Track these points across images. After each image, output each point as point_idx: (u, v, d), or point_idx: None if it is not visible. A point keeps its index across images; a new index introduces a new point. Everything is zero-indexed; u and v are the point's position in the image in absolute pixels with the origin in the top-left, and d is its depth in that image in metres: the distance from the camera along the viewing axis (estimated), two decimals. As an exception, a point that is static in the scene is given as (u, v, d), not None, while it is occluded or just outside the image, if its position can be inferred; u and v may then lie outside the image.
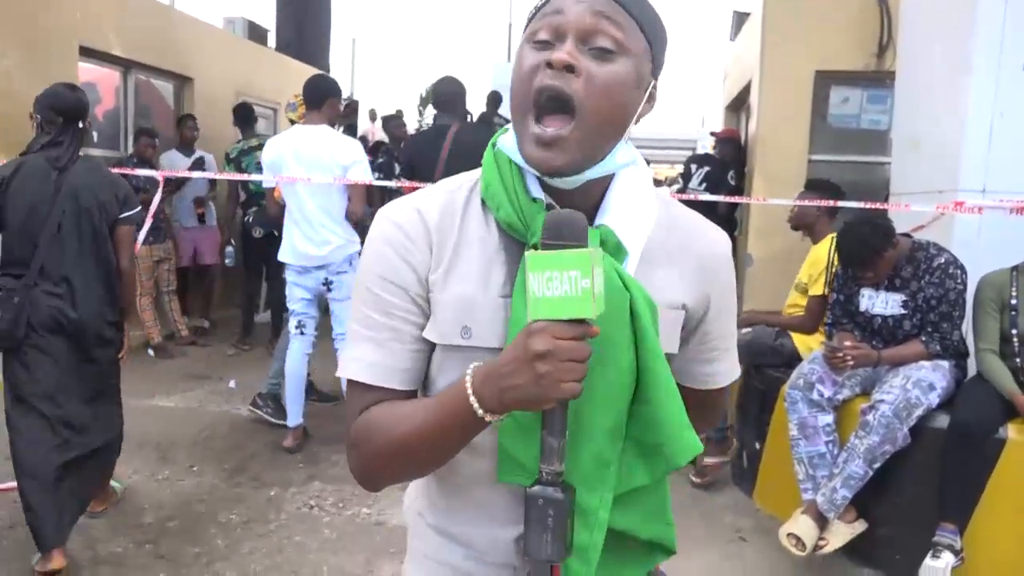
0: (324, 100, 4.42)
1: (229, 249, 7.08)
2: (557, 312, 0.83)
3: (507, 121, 1.03)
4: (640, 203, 1.02)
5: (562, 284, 0.82)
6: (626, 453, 0.98)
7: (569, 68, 0.90)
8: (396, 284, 1.00)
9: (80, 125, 3.26)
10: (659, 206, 1.05)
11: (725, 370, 1.16)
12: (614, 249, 0.96)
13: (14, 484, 3.10)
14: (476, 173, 1.06)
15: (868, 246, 3.27)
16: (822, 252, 3.98)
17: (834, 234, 4.11)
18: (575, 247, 0.84)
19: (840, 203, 4.67)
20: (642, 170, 1.04)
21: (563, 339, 0.83)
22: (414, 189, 4.49)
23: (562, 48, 0.92)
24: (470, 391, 0.89)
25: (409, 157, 4.89)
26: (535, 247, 0.92)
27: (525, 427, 0.93)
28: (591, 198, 1.00)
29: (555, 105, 0.91)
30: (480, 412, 0.89)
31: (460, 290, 0.99)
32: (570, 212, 0.87)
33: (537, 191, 0.99)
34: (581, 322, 0.84)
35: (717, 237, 1.10)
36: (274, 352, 4.91)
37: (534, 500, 0.88)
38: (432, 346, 1.01)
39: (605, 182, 1.01)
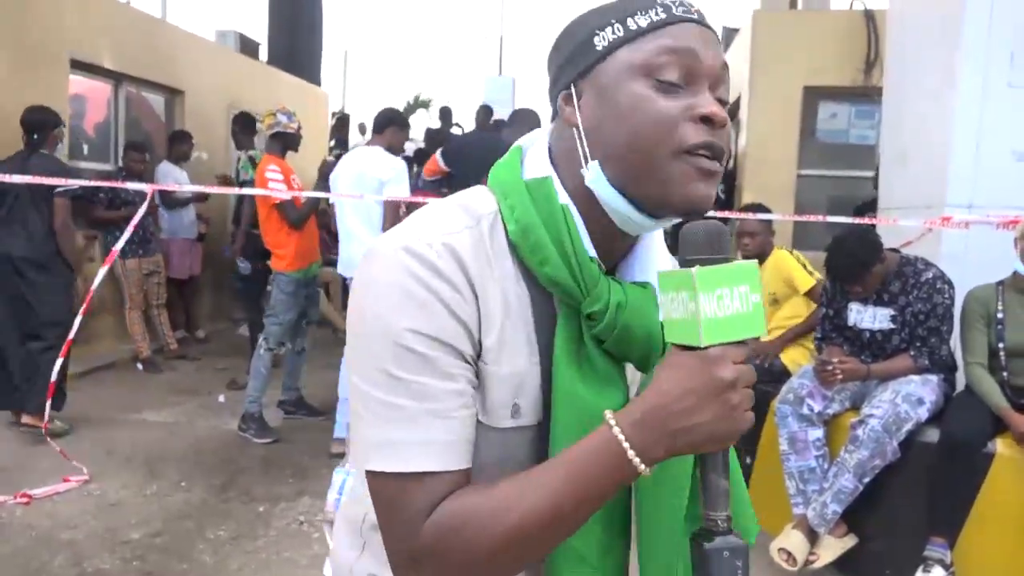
0: (386, 127, 4.86)
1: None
2: (731, 333, 0.74)
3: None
4: (662, 252, 0.94)
5: (733, 301, 0.74)
6: (683, 548, 0.83)
7: (724, 125, 0.81)
8: (443, 342, 0.79)
9: (35, 136, 4.74)
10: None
11: None
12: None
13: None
14: (486, 203, 0.88)
15: (857, 260, 3.29)
16: (779, 259, 4.18)
17: (780, 246, 4.27)
18: (731, 259, 0.76)
19: (829, 218, 4.71)
20: None
21: (740, 363, 0.74)
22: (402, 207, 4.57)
23: (706, 98, 0.81)
24: (625, 442, 0.74)
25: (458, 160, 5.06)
26: (590, 316, 0.84)
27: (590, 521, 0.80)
28: (623, 250, 0.91)
29: (712, 153, 0.82)
30: (642, 467, 0.74)
31: (515, 362, 0.83)
32: (707, 223, 0.78)
33: (590, 247, 0.85)
34: (744, 343, 0.76)
35: None
36: (250, 371, 4.88)
37: (718, 555, 0.75)
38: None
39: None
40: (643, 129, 0.80)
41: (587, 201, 0.85)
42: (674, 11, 0.82)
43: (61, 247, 4.77)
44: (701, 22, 0.83)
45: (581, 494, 0.75)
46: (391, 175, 4.56)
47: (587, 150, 0.84)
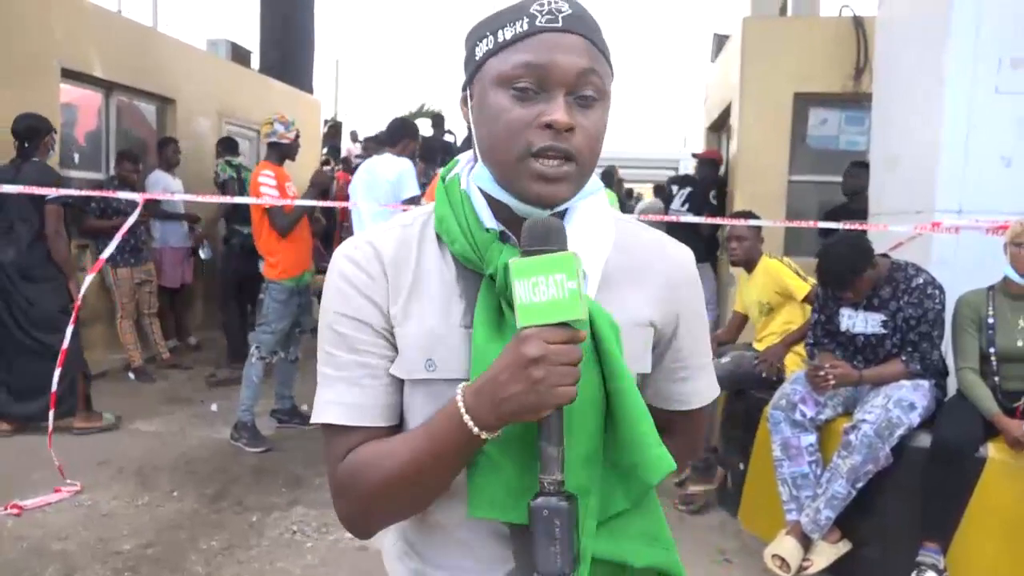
0: (399, 139, 5.16)
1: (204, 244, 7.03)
2: (546, 316, 0.83)
3: (453, 143, 1.03)
4: (597, 227, 1.02)
5: (548, 288, 0.83)
6: (605, 479, 0.97)
7: (570, 129, 0.91)
8: (360, 320, 0.99)
9: (27, 143, 4.86)
10: (618, 227, 1.05)
11: (701, 389, 1.15)
12: None
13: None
14: (429, 207, 1.06)
15: (847, 266, 3.30)
16: (770, 267, 4.18)
17: (767, 255, 4.29)
18: (556, 251, 0.84)
19: (820, 223, 4.73)
20: (599, 194, 1.04)
21: (555, 343, 0.83)
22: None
23: (554, 104, 0.91)
24: (463, 409, 0.88)
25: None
26: (491, 277, 0.94)
27: (494, 460, 0.93)
28: None
29: (556, 154, 0.92)
30: (476, 430, 0.88)
31: (422, 323, 0.98)
32: (547, 218, 0.88)
33: (491, 221, 0.98)
34: (567, 325, 0.84)
35: (680, 254, 1.11)
36: (243, 380, 4.87)
37: (539, 512, 0.86)
38: (402, 382, 1.00)
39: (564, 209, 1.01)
40: (499, 135, 0.93)
41: (485, 191, 0.99)
42: (537, 22, 0.92)
43: (53, 254, 4.83)
44: (565, 29, 0.92)
45: (437, 451, 0.91)
46: (395, 176, 4.85)
47: (475, 149, 1.00)
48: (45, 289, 4.84)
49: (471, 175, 1.01)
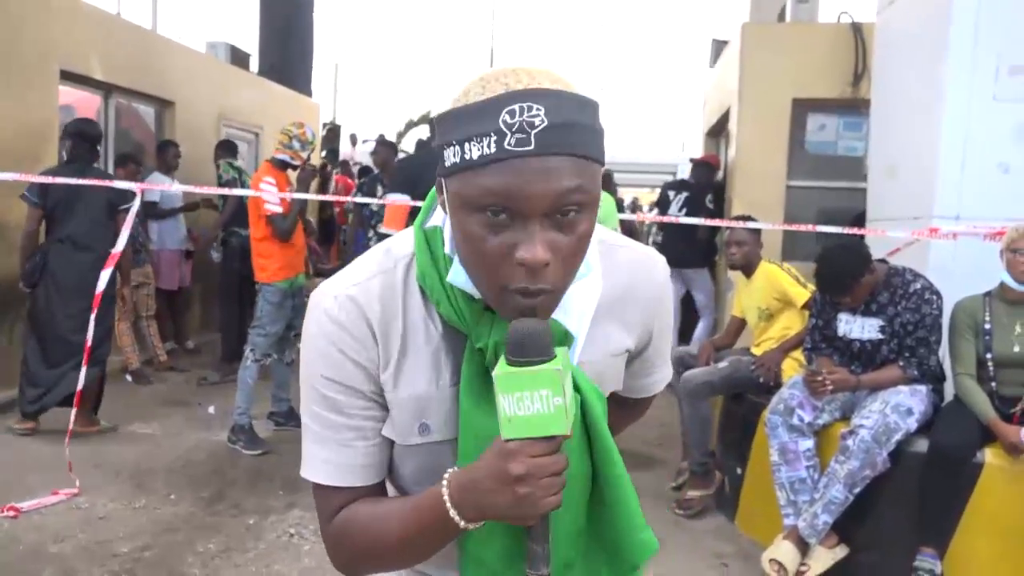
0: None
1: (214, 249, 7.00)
2: (531, 431, 0.82)
3: None
4: (588, 286, 0.97)
5: (534, 403, 0.81)
6: (590, 551, 0.98)
7: (546, 265, 0.83)
8: (348, 386, 0.96)
9: (97, 148, 5.12)
10: (599, 261, 1.01)
11: (660, 379, 1.20)
12: (561, 339, 0.93)
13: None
14: (408, 246, 0.98)
15: (845, 272, 3.31)
16: (770, 273, 4.17)
17: (766, 260, 4.29)
18: (542, 361, 0.82)
19: (818, 228, 4.73)
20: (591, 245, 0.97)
21: (540, 456, 0.82)
22: (398, 211, 4.57)
23: (527, 236, 0.82)
24: (448, 504, 0.87)
25: (411, 177, 4.88)
26: (480, 350, 0.92)
27: (486, 528, 0.91)
28: None
29: (531, 295, 0.86)
30: (462, 523, 0.88)
31: (413, 388, 0.96)
32: (533, 325, 0.83)
33: (475, 290, 0.92)
34: (552, 436, 0.83)
35: (655, 269, 1.08)
36: (238, 383, 4.87)
37: None
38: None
39: None
40: (475, 263, 0.87)
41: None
42: (507, 143, 0.80)
43: (123, 259, 4.89)
44: (538, 153, 0.80)
45: (422, 531, 0.92)
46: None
47: (450, 246, 0.94)
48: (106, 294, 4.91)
49: (448, 275, 0.93)
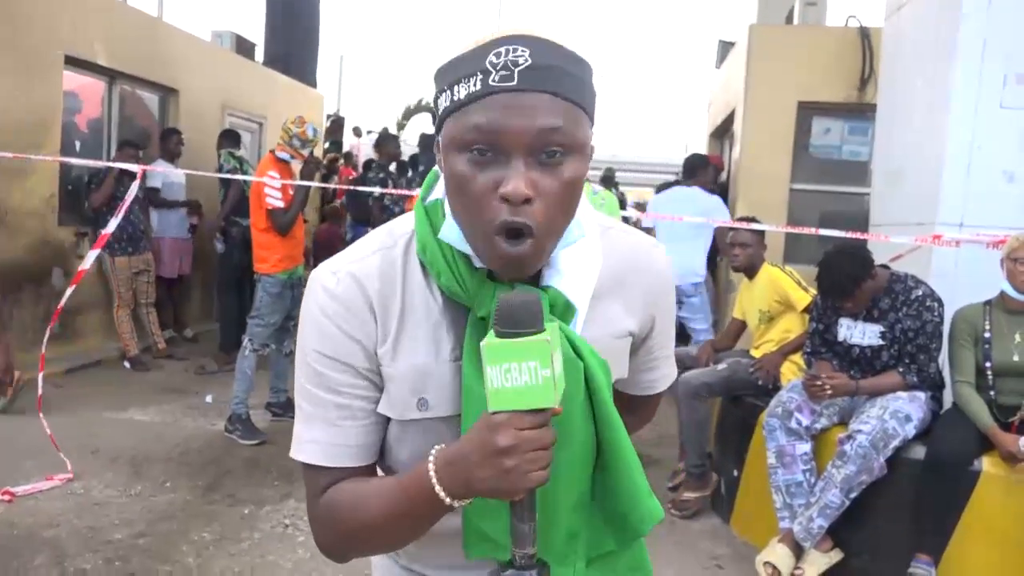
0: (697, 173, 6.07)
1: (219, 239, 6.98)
2: (518, 403, 0.81)
3: None
4: (586, 254, 0.99)
5: (521, 375, 0.80)
6: (593, 519, 0.98)
7: (527, 201, 0.85)
8: (342, 362, 0.95)
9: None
10: (599, 240, 1.03)
11: (665, 375, 1.18)
12: (563, 310, 0.93)
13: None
14: (408, 224, 1.00)
15: (847, 276, 3.30)
16: (773, 276, 4.17)
17: (769, 263, 4.28)
18: (531, 333, 0.81)
19: (821, 231, 4.72)
20: (586, 215, 0.99)
21: (526, 429, 0.81)
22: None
23: (511, 172, 0.85)
24: (434, 480, 0.86)
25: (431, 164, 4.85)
26: (483, 319, 0.92)
27: (490, 503, 0.91)
28: None
29: (516, 232, 0.87)
30: (448, 500, 0.87)
31: (412, 361, 0.95)
32: (523, 296, 0.83)
33: (477, 259, 0.93)
34: (540, 409, 0.82)
35: (658, 257, 1.09)
36: (236, 372, 4.86)
37: None
38: (387, 419, 0.99)
39: None
40: (462, 203, 0.89)
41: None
42: (490, 80, 0.84)
43: None
44: (520, 88, 0.84)
45: (409, 509, 0.91)
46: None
47: (445, 203, 0.95)
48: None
49: (442, 235, 0.95)
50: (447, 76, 0.89)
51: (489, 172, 0.86)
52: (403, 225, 1.01)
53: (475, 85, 0.85)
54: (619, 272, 1.03)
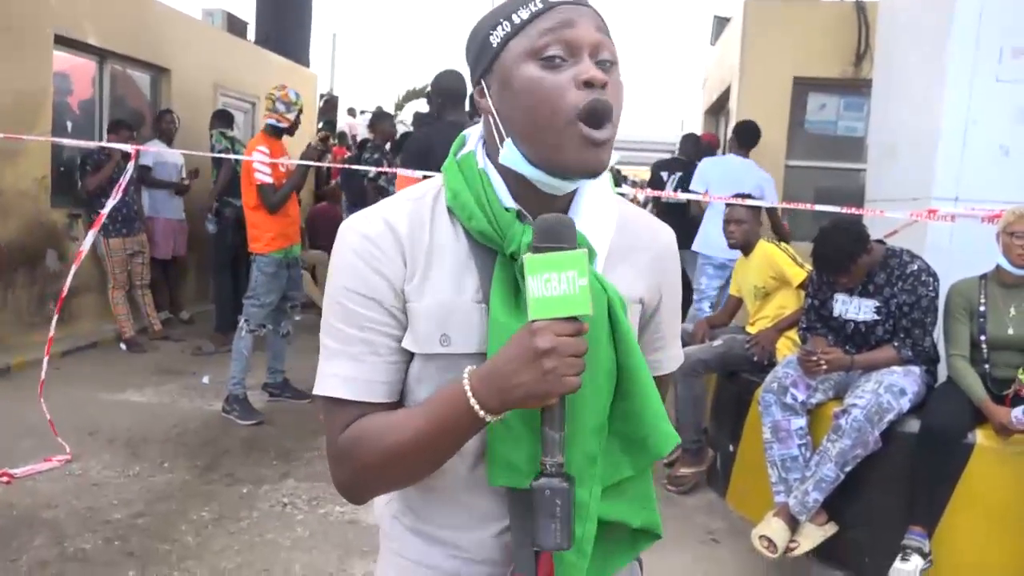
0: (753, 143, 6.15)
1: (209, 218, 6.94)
2: (557, 311, 0.87)
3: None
4: (604, 206, 1.05)
5: (560, 284, 0.87)
6: (610, 447, 1.01)
7: (605, 85, 0.94)
8: (369, 297, 1.00)
9: None
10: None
11: (671, 356, 1.21)
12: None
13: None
14: (437, 181, 1.07)
15: (843, 251, 3.30)
16: (768, 252, 4.18)
17: (765, 239, 4.29)
18: (568, 249, 0.88)
19: (816, 206, 4.72)
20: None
21: (564, 335, 0.87)
22: (409, 182, 4.50)
23: (586, 64, 0.94)
24: (469, 393, 0.91)
25: (422, 150, 4.71)
26: (512, 256, 0.97)
27: (515, 431, 0.96)
28: (563, 204, 1.03)
29: (598, 119, 0.94)
30: (481, 413, 0.90)
31: (436, 298, 0.99)
32: (558, 216, 0.91)
33: (509, 201, 1.00)
34: (575, 319, 0.88)
35: (664, 229, 1.16)
36: (232, 353, 4.86)
37: (541, 492, 0.91)
38: (409, 357, 1.02)
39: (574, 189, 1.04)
40: (538, 104, 0.94)
41: (509, 169, 1.00)
42: None
43: None
44: (576, 1, 0.96)
45: (438, 430, 0.94)
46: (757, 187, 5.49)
47: (501, 131, 0.99)
48: None
49: (499, 157, 1.00)
50: (498, 14, 0.98)
51: (562, 72, 0.94)
52: (429, 184, 1.08)
53: (536, 5, 0.96)
54: (630, 240, 1.09)
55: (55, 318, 4.27)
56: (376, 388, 1.00)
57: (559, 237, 0.89)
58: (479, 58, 1.01)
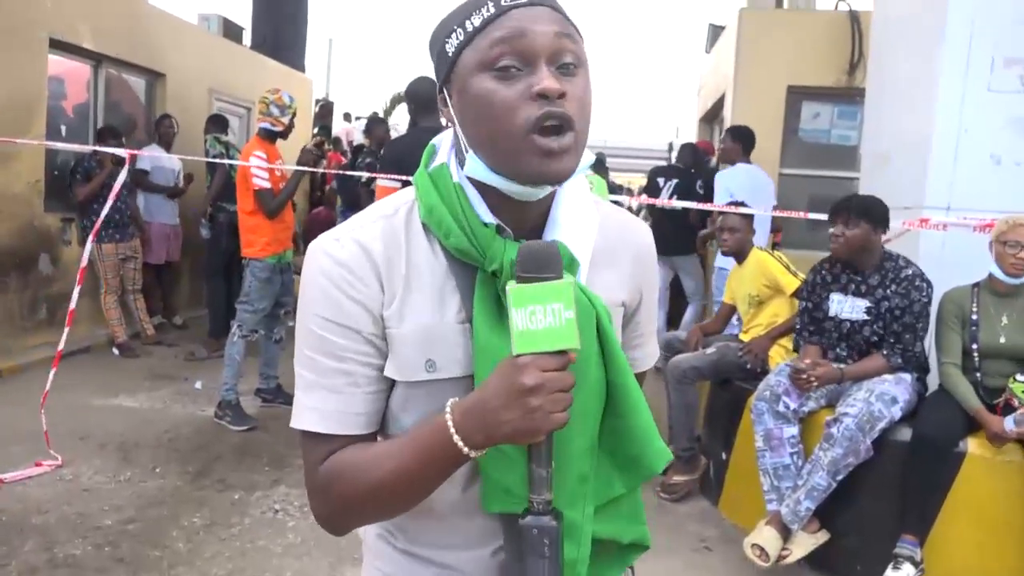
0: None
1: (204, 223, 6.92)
2: (543, 344, 0.83)
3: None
4: (583, 210, 1.02)
5: (546, 317, 0.83)
6: (602, 465, 0.99)
7: (562, 95, 0.89)
8: (346, 326, 0.94)
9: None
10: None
11: (648, 354, 1.20)
12: (568, 263, 0.95)
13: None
14: (408, 195, 1.02)
15: (875, 206, 3.38)
16: (762, 260, 4.19)
17: (757, 247, 4.28)
18: (552, 278, 0.84)
19: (810, 215, 4.74)
20: (579, 176, 1.02)
21: (550, 371, 0.83)
22: (388, 191, 4.50)
23: (540, 74, 0.89)
24: (452, 429, 0.87)
25: (395, 159, 4.72)
26: (495, 274, 0.93)
27: (509, 455, 0.92)
28: (540, 211, 0.99)
29: (557, 127, 0.90)
30: (466, 450, 0.87)
31: (418, 322, 0.95)
32: (542, 243, 0.87)
33: (488, 215, 0.96)
34: (562, 352, 0.84)
35: (642, 230, 1.14)
36: (225, 359, 4.84)
37: (528, 531, 0.88)
38: (391, 385, 0.98)
39: (552, 194, 1.00)
40: (492, 118, 0.90)
41: (480, 180, 0.95)
42: (502, 2, 0.91)
43: None
44: (529, 3, 0.91)
45: (422, 465, 0.90)
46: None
47: (464, 142, 0.95)
48: None
49: (464, 168, 0.97)
50: (451, 21, 0.94)
51: (516, 83, 0.89)
52: (400, 197, 1.02)
53: (488, 11, 0.91)
54: (611, 243, 1.06)
55: (66, 331, 4.25)
56: (356, 420, 0.96)
57: (543, 266, 0.85)
58: (438, 67, 0.97)
